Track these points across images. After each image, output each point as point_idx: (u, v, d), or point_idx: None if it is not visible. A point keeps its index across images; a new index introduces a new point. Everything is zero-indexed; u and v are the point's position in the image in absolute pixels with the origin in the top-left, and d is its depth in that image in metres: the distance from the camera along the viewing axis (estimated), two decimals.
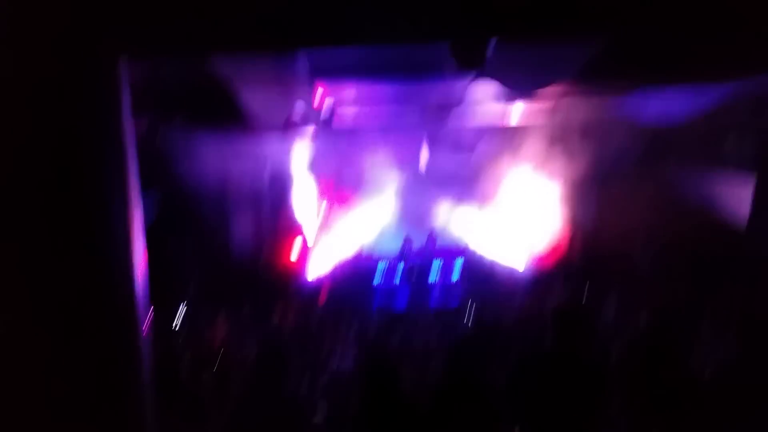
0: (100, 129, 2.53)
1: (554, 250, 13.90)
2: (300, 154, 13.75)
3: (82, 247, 2.47)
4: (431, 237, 15.65)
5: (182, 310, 11.23)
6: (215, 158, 11.35)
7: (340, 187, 15.15)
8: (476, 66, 6.10)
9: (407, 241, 15.62)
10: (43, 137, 2.40)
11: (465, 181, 14.63)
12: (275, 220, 14.46)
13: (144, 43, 2.58)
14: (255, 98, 5.92)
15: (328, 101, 9.47)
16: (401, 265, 15.06)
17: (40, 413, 2.40)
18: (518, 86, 7.57)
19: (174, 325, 10.60)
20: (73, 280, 2.47)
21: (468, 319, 11.44)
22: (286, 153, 13.59)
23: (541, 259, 13.98)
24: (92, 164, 2.49)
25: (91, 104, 2.48)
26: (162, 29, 2.50)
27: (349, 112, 10.73)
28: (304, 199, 14.48)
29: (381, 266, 15.19)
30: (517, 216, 14.00)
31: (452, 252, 15.64)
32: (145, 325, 2.65)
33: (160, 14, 2.43)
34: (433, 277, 15.28)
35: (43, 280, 2.43)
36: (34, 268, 2.42)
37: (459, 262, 15.34)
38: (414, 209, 15.09)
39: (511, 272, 13.97)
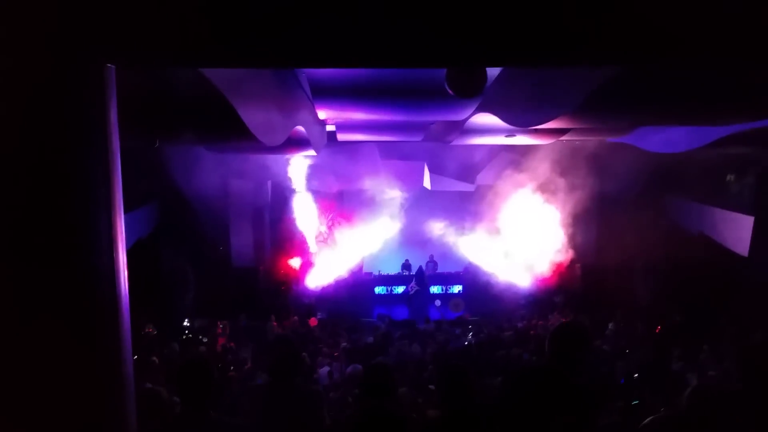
0: (84, 136, 2.50)
1: (555, 271, 13.87)
2: (302, 171, 13.80)
3: (63, 256, 2.43)
4: (431, 259, 15.88)
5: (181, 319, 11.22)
6: (217, 172, 11.38)
7: (342, 205, 15.17)
8: (472, 96, 5.80)
9: (407, 263, 15.74)
10: (26, 140, 2.38)
11: (467, 205, 14.71)
12: (276, 233, 14.48)
13: (132, 52, 2.55)
14: (258, 114, 5.88)
15: (331, 120, 9.47)
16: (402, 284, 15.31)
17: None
18: (518, 122, 7.37)
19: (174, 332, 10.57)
20: (54, 285, 2.43)
21: (466, 330, 11.41)
22: (287, 169, 13.64)
23: (542, 280, 13.98)
24: (75, 172, 2.46)
25: (75, 111, 2.46)
26: (152, 38, 2.48)
27: (351, 133, 10.73)
28: (306, 214, 14.53)
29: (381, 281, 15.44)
30: (519, 238, 13.96)
31: (452, 273, 15.79)
32: (128, 334, 2.61)
33: (150, 22, 2.41)
34: (433, 291, 15.38)
35: (23, 283, 2.39)
36: (13, 273, 2.39)
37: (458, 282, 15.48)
38: (415, 230, 15.09)
39: (510, 289, 13.95)
